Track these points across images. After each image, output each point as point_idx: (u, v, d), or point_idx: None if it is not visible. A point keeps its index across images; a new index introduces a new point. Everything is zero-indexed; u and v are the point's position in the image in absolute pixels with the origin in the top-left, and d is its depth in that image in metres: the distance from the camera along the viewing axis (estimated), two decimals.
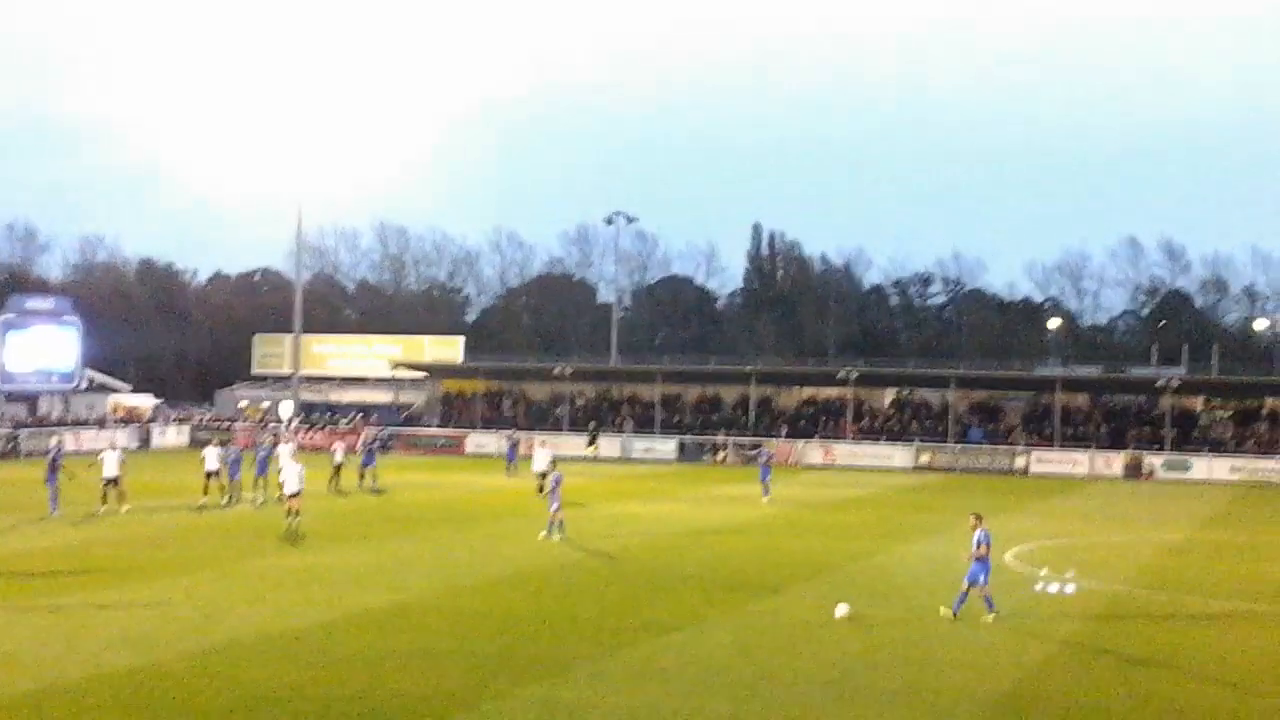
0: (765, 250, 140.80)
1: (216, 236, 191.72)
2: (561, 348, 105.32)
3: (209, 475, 45.71)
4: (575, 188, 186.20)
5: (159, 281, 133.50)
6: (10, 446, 68.41)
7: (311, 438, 76.19)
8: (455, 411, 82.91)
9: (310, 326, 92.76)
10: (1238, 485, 64.65)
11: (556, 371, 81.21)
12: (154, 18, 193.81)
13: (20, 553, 33.75)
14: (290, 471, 39.22)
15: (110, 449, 44.78)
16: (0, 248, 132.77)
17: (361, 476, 52.67)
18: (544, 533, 37.51)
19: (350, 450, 55.64)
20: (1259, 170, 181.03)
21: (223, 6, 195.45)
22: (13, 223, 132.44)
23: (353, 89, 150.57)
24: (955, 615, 26.08)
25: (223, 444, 50.69)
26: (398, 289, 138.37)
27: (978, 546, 26.30)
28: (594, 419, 77.79)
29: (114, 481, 42.23)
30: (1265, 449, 70.87)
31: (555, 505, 37.75)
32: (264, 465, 47.99)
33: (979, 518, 26.92)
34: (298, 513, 38.19)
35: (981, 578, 26.25)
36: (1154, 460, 69.49)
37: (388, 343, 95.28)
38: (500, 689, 20.00)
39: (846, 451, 73.50)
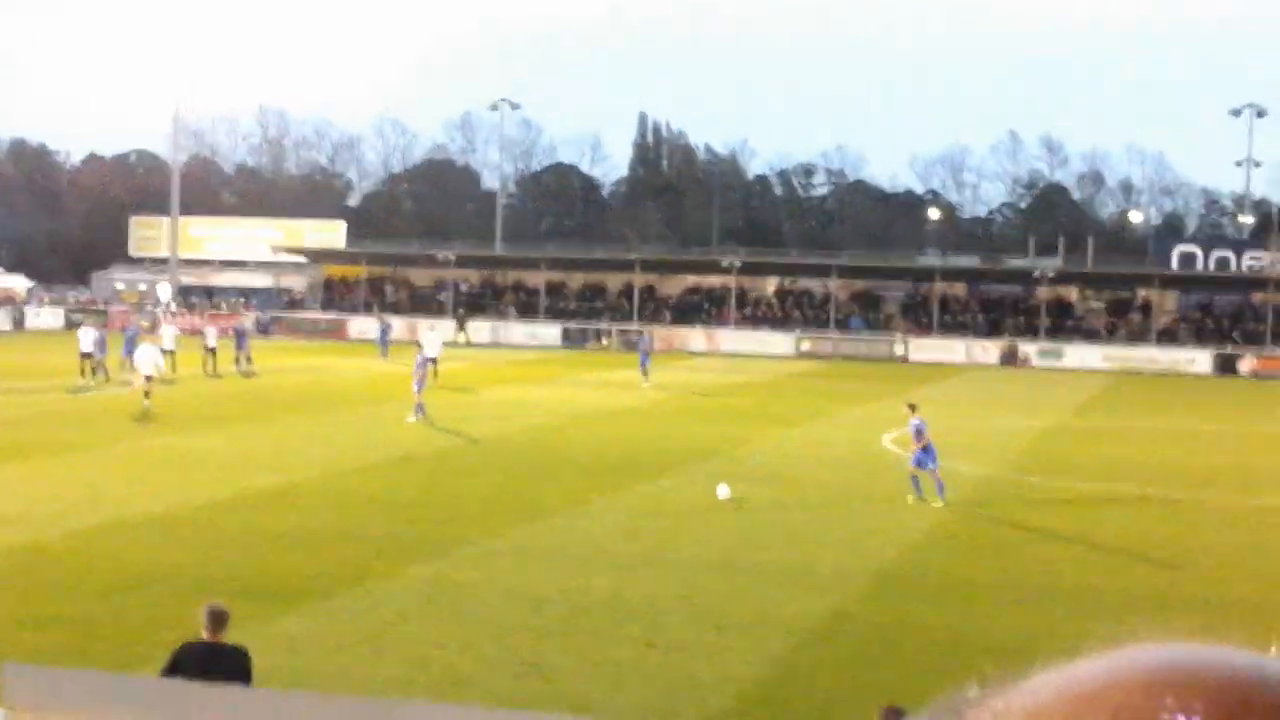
0: (650, 139, 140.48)
1: (90, 117, 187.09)
2: (446, 234, 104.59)
3: (84, 357, 45.15)
4: (460, 74, 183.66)
5: (31, 162, 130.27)
6: None
7: (190, 321, 75.06)
8: (337, 297, 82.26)
9: (188, 209, 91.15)
10: (1109, 374, 66.18)
11: (440, 257, 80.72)
12: None
13: None
14: (144, 355, 39.51)
15: None
16: None
17: (236, 360, 52.25)
18: (411, 417, 37.62)
19: (224, 334, 55.04)
20: (1135, 65, 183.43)
21: None
22: None
23: None
24: (919, 497, 26.50)
25: (98, 327, 49.95)
26: (278, 173, 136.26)
27: (918, 435, 26.74)
28: (461, 306, 77.59)
29: None
30: (1136, 338, 72.63)
31: (419, 388, 38.00)
32: (131, 346, 47.28)
33: (913, 407, 27.40)
34: (148, 394, 38.18)
35: (930, 463, 26.61)
36: (1029, 349, 70.93)
37: (268, 227, 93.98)
38: (386, 569, 20.13)
39: (729, 339, 74.10)
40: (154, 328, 53.05)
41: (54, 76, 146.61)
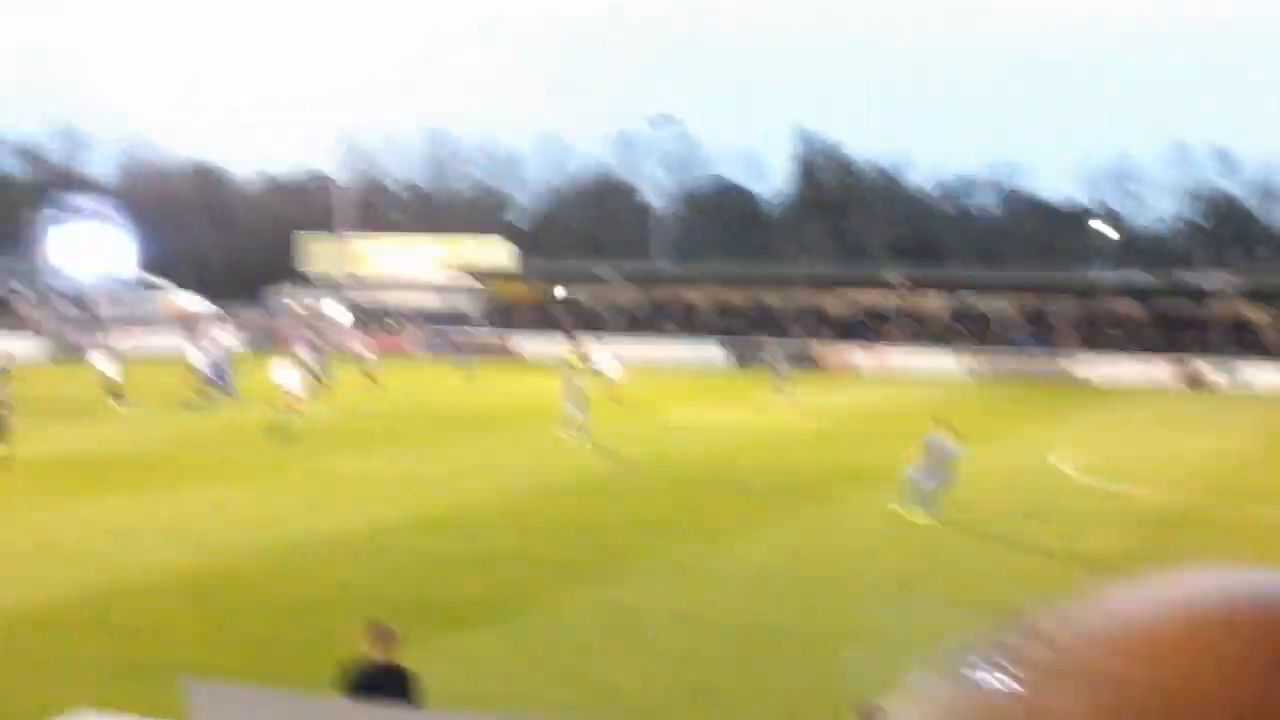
0: (809, 153, 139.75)
1: (264, 138, 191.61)
2: (608, 251, 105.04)
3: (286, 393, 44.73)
4: (619, 90, 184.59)
5: (207, 183, 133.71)
6: (63, 345, 68.86)
7: (355, 338, 76.45)
8: (503, 314, 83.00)
9: (355, 227, 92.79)
10: None
11: (602, 275, 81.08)
12: None
13: (76, 452, 34.08)
14: (286, 375, 39.78)
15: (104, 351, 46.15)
16: (49, 147, 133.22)
17: (368, 376, 53.88)
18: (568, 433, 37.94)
19: (387, 350, 55.93)
20: None
21: None
22: (60, 122, 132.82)
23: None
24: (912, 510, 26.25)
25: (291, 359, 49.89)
26: (443, 191, 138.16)
27: (936, 452, 26.37)
28: (570, 331, 75.47)
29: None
30: None
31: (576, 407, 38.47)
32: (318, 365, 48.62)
33: (939, 423, 27.04)
34: (291, 412, 38.54)
35: (934, 482, 26.35)
36: (1208, 367, 68.89)
37: (433, 244, 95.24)
38: (556, 592, 20.14)
39: (895, 356, 73.24)
40: (315, 346, 54.04)
41: (229, 99, 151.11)
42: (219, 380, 47.33)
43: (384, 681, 10.79)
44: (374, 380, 53.74)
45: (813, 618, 18.93)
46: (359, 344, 57.63)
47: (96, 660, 16.19)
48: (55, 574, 20.47)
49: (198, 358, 47.02)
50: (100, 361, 45.92)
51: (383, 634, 11.32)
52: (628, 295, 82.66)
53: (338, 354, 57.22)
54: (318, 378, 48.17)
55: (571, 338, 67.15)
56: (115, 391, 44.79)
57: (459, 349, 67.87)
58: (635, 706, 15.00)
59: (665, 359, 71.98)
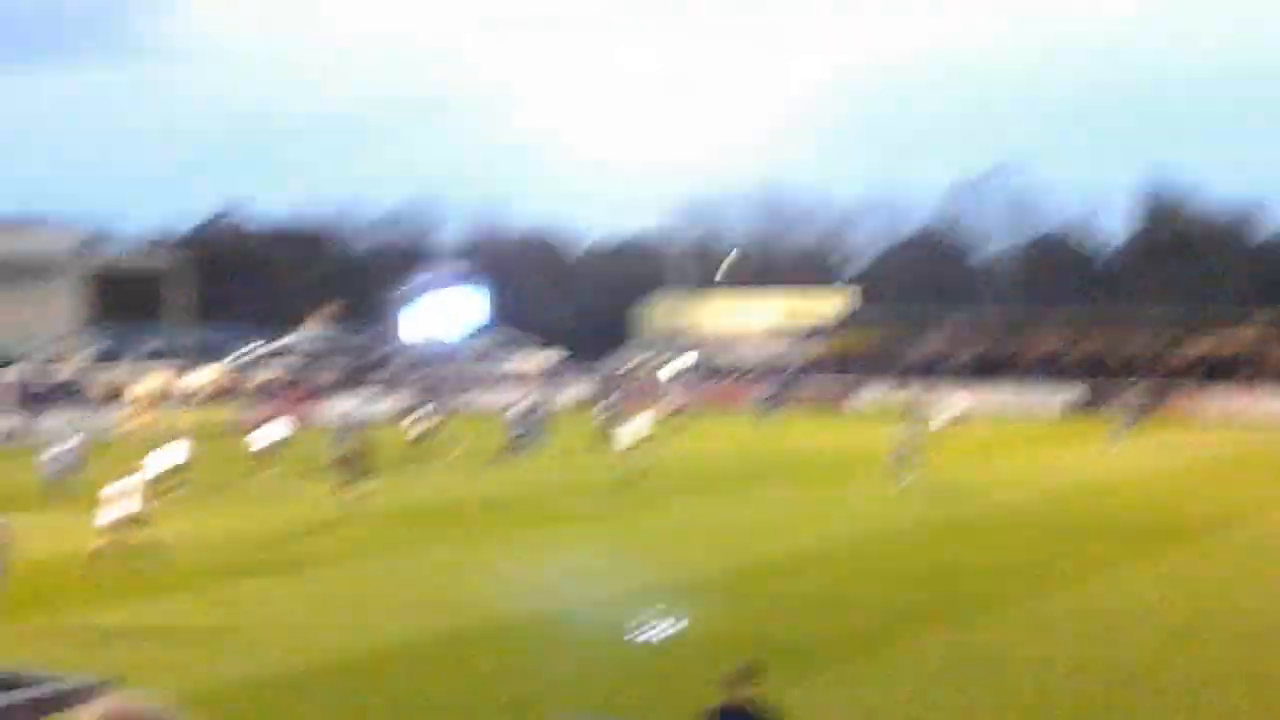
0: (1156, 195, 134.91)
1: (607, 201, 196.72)
2: (945, 301, 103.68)
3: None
4: (952, 141, 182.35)
5: (548, 247, 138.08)
6: (421, 402, 71.88)
7: (701, 394, 77.85)
8: (843, 366, 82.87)
9: (695, 285, 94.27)
10: None
11: (944, 325, 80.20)
12: None
13: (429, 501, 35.52)
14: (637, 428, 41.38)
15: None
16: (405, 218, 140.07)
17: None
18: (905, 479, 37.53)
19: (730, 403, 56.44)
20: None
21: None
22: (416, 195, 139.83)
23: (730, 47, 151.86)
24: None
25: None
26: (781, 247, 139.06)
27: None
28: (908, 380, 75.90)
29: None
30: None
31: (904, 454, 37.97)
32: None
33: None
34: (633, 464, 39.45)
35: None
36: None
37: (774, 299, 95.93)
38: (906, 635, 19.97)
39: (1255, 405, 69.85)
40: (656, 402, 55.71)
41: (570, 161, 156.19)
42: (528, 434, 49.41)
43: (746, 717, 10.95)
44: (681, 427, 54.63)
45: (1172, 664, 18.24)
46: (682, 399, 58.42)
47: (464, 700, 16.85)
48: (409, 617, 21.38)
49: (516, 412, 48.54)
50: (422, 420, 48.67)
51: (745, 672, 11.48)
52: (965, 343, 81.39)
53: (677, 410, 58.03)
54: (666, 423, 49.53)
55: (909, 386, 66.63)
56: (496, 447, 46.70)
57: (775, 400, 68.00)
58: None
59: (1003, 406, 70.52)
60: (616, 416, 48.98)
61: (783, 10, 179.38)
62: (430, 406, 56.26)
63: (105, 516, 25.06)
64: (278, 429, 44.28)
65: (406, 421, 53.57)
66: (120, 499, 25.19)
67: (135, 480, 25.92)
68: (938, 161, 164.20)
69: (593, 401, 59.89)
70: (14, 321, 64.21)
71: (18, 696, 5.56)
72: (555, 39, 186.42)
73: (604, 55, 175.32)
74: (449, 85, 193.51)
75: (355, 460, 33.99)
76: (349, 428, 40.38)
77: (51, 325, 66.06)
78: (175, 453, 34.61)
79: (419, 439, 49.51)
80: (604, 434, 48.64)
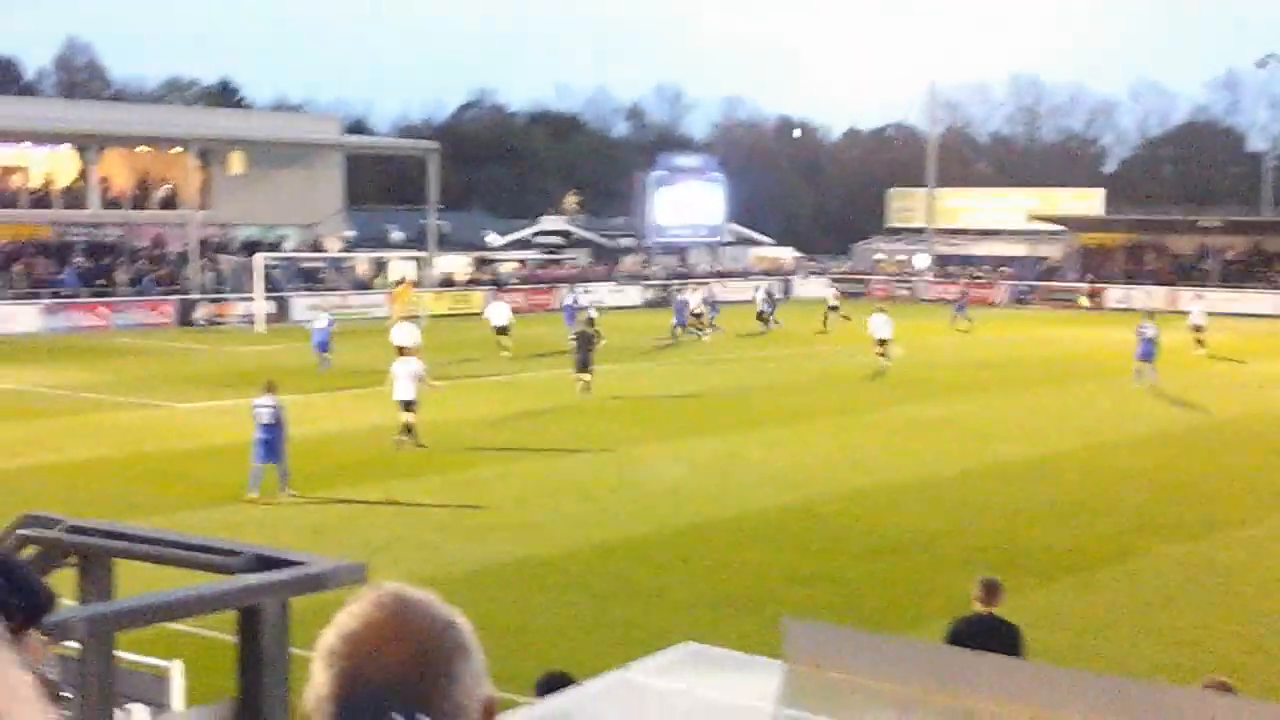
0: None
1: (850, 93, 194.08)
2: (1207, 199, 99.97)
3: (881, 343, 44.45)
4: (1219, 29, 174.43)
5: (796, 138, 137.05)
6: (663, 296, 72.63)
7: (947, 290, 76.93)
8: (1094, 265, 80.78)
9: (943, 180, 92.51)
10: None
11: (1202, 223, 77.34)
12: None
13: (664, 392, 36.00)
14: (875, 322, 42.32)
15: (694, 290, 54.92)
16: (651, 108, 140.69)
17: (953, 320, 56.45)
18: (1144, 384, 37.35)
19: (974, 302, 55.83)
20: None
21: None
22: (661, 85, 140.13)
23: None
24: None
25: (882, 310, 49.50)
26: (1032, 141, 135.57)
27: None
28: (1163, 282, 73.27)
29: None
30: None
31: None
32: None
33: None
34: (883, 358, 41.26)
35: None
36: None
37: (1023, 195, 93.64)
38: (1144, 546, 19.68)
39: None
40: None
41: (817, 54, 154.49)
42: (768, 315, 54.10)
43: (987, 633, 10.95)
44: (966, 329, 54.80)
45: None
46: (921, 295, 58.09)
47: (690, 593, 17.23)
48: (649, 509, 21.85)
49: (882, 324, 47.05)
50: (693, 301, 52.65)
51: (988, 586, 11.48)
52: (1229, 244, 78.49)
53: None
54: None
55: (1160, 288, 64.89)
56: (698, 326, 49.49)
57: (1019, 299, 66.80)
58: (1230, 667, 14.52)
59: (1267, 312, 67.93)
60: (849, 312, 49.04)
61: None
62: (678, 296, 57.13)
63: (398, 394, 26.50)
64: (504, 312, 46.28)
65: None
66: (403, 380, 26.46)
67: (415, 364, 27.05)
68: (1201, 51, 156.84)
69: (831, 296, 59.56)
70: (278, 203, 66.61)
71: (278, 576, 5.95)
72: None
73: None
74: None
75: (586, 347, 34.99)
76: (586, 316, 41.66)
77: (313, 208, 68.35)
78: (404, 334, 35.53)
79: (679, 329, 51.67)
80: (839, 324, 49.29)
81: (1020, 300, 75.05)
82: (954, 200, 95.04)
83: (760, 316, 56.05)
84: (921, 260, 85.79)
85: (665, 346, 49.08)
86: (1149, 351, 38.24)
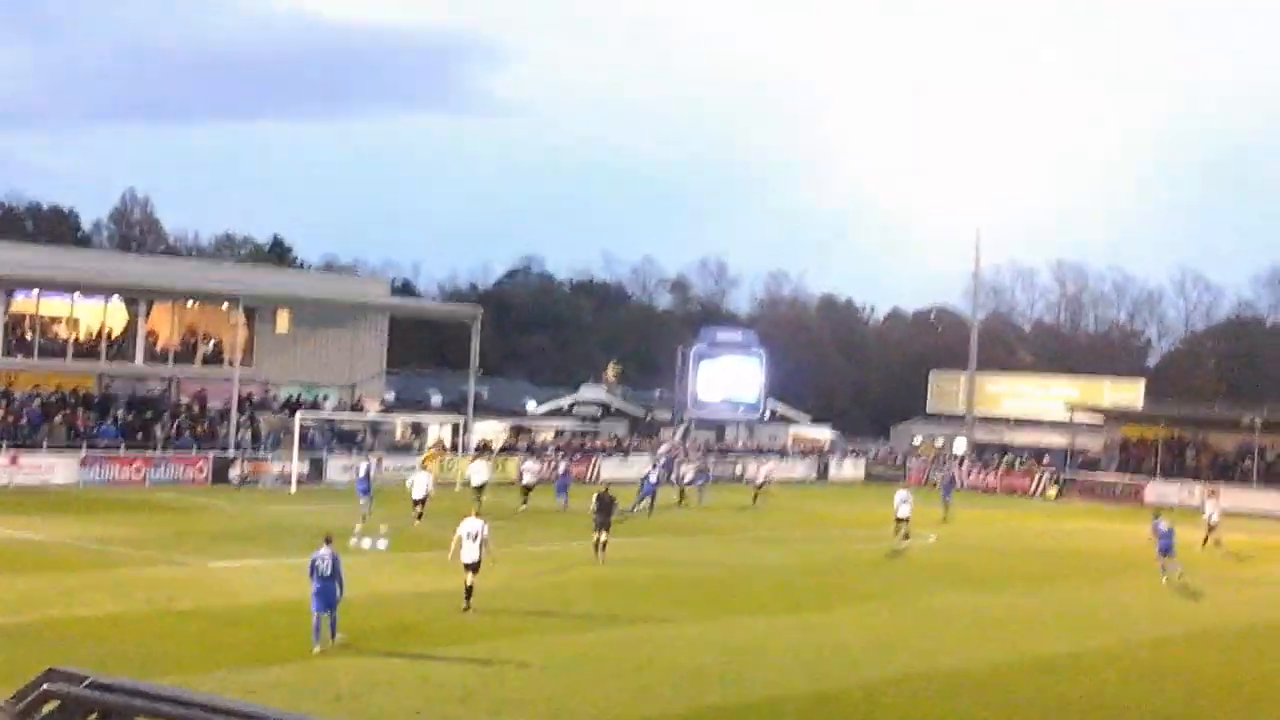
0: None
1: (894, 274, 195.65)
2: (1251, 395, 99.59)
3: (900, 521, 44.80)
4: (1266, 224, 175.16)
5: (839, 317, 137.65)
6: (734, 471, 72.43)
7: (984, 478, 76.61)
8: (1133, 458, 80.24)
9: (985, 365, 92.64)
10: None
11: (1245, 421, 76.81)
12: (843, 61, 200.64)
13: (691, 568, 35.66)
14: (897, 499, 43.62)
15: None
16: (694, 282, 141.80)
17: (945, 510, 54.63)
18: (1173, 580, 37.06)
19: (1012, 489, 55.18)
20: None
21: (907, 50, 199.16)
22: (706, 259, 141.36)
23: (1030, 120, 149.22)
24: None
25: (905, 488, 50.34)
26: (1075, 329, 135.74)
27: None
28: (1201, 478, 72.60)
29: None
30: None
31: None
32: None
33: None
34: (905, 540, 42.49)
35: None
36: None
37: (1064, 384, 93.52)
38: None
39: None
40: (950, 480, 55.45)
41: (862, 234, 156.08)
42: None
43: None
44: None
45: None
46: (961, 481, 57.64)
47: None
48: (677, 690, 21.44)
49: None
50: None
51: None
52: (1272, 443, 77.86)
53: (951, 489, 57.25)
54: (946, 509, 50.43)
55: (1198, 484, 64.26)
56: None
57: (1056, 489, 66.16)
58: None
59: None
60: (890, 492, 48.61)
61: (1075, 79, 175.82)
62: (706, 471, 57.31)
63: (465, 556, 27.11)
64: (483, 471, 48.81)
65: (683, 483, 55.29)
66: (470, 542, 27.05)
67: (481, 526, 27.46)
68: (1247, 246, 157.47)
69: (868, 476, 59.41)
70: (321, 362, 67.18)
71: None
72: (840, 117, 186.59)
73: (897, 130, 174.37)
74: (754, 153, 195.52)
75: (606, 510, 36.16)
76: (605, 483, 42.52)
77: (355, 369, 68.86)
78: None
79: (689, 500, 51.63)
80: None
81: (1059, 491, 74.45)
82: (995, 386, 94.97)
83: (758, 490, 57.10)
84: (959, 445, 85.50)
85: (680, 512, 48.72)
86: (1167, 546, 37.99)
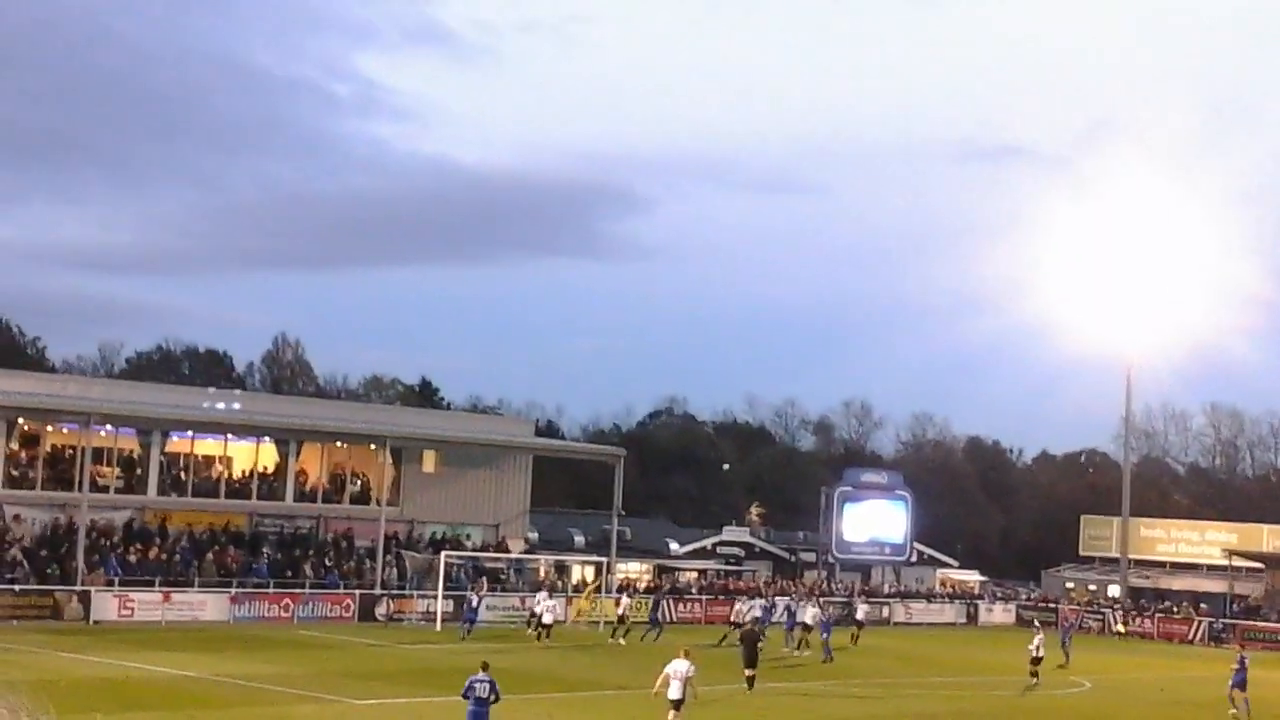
0: None
1: (1043, 416, 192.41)
2: None
3: (1035, 661, 44.74)
4: None
5: (986, 459, 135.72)
6: (845, 614, 71.34)
7: (1142, 624, 74.60)
8: None
9: (1138, 510, 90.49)
10: None
11: None
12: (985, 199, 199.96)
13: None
14: (1035, 641, 44.92)
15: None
16: (839, 423, 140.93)
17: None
18: None
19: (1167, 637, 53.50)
20: None
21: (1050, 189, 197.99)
22: (850, 400, 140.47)
23: (1185, 261, 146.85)
24: None
25: (1039, 631, 49.48)
26: (1232, 473, 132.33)
27: None
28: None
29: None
30: None
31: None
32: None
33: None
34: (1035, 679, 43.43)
35: None
36: None
37: (1221, 530, 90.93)
38: None
39: None
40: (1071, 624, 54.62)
41: (1010, 376, 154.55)
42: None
43: None
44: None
45: None
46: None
47: None
48: None
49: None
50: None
51: None
52: None
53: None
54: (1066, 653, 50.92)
55: None
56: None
57: (1216, 638, 63.89)
58: None
59: None
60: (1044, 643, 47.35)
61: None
62: (849, 616, 56.28)
63: (672, 693, 27.93)
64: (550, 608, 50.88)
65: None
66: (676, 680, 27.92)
67: (684, 665, 28.16)
68: None
69: (1019, 620, 58.10)
70: (465, 502, 67.71)
71: None
72: (985, 256, 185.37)
73: (1045, 269, 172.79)
74: (898, 294, 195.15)
75: (752, 645, 38.00)
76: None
77: (499, 508, 69.26)
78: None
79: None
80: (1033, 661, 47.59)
81: (1217, 639, 71.95)
82: (1149, 530, 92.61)
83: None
84: (1113, 591, 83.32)
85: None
86: (1240, 679, 38.74)
